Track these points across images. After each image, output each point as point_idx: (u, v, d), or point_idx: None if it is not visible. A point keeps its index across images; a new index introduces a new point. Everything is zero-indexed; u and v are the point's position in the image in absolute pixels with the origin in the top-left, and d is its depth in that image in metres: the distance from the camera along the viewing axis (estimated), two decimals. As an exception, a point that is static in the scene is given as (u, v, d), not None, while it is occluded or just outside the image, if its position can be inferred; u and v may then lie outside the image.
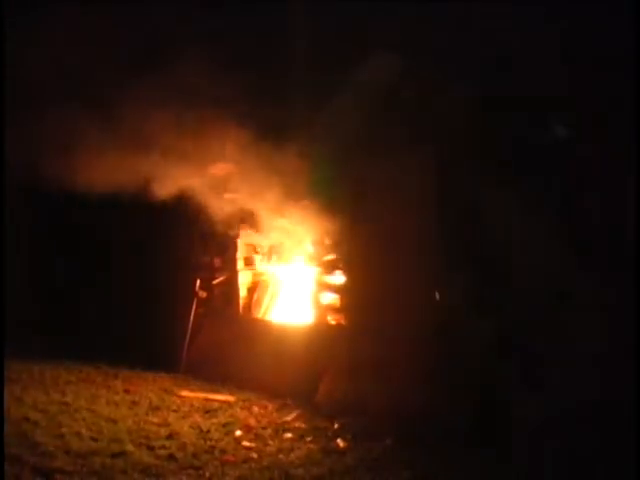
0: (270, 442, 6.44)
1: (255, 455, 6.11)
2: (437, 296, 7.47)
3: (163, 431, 6.63)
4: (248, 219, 9.04)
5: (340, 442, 6.44)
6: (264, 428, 6.80)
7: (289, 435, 6.63)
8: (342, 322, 8.53)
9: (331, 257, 8.88)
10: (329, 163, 8.23)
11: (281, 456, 6.10)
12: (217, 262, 9.42)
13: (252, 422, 6.97)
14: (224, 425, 6.85)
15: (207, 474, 5.67)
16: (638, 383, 6.02)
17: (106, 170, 7.97)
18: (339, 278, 8.69)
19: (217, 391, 7.99)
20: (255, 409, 7.37)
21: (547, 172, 7.05)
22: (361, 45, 8.30)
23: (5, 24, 7.15)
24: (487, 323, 6.93)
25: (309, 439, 6.53)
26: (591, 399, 6.15)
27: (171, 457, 5.98)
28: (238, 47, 8.30)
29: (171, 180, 8.20)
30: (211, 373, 8.49)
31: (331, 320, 8.73)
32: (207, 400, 7.64)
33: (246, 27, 8.72)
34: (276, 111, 8.47)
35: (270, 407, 7.43)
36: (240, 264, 9.45)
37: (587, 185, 6.96)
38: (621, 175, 6.79)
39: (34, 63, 7.43)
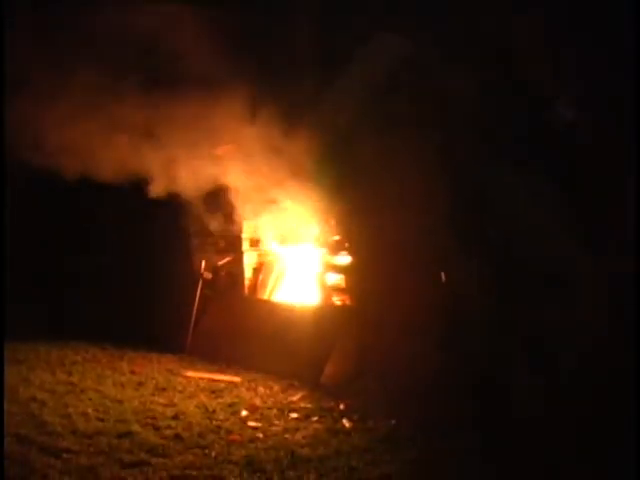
0: (276, 422, 6.46)
1: (261, 435, 6.13)
2: (443, 277, 7.47)
3: (169, 411, 6.65)
4: (253, 200, 9.02)
5: (346, 422, 6.46)
6: (270, 408, 6.82)
7: (295, 415, 6.64)
8: (347, 303, 8.55)
9: (337, 238, 8.89)
10: (335, 144, 8.21)
11: (287, 436, 6.12)
12: (222, 243, 9.43)
13: (258, 402, 6.99)
14: (230, 405, 6.87)
15: (213, 454, 5.68)
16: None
17: (108, 154, 7.96)
18: (345, 259, 8.69)
19: (223, 372, 8.01)
20: (261, 389, 7.39)
21: (556, 159, 7.03)
22: (365, 28, 8.27)
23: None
24: (492, 307, 6.93)
25: (315, 419, 6.55)
26: (594, 386, 6.17)
27: (177, 437, 6.01)
28: (242, 28, 8.24)
29: (176, 162, 8.18)
30: (217, 354, 8.50)
31: (336, 301, 8.75)
32: (213, 381, 7.66)
33: (250, 7, 8.66)
34: (281, 91, 8.43)
35: (276, 388, 7.45)
36: (245, 245, 9.47)
37: (595, 175, 6.95)
38: (625, 170, 6.78)
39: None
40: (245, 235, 9.45)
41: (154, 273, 9.37)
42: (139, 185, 8.23)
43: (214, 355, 8.51)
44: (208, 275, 9.34)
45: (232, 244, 9.42)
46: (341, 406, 6.87)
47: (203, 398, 7.09)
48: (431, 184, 7.39)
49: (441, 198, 7.32)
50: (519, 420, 6.05)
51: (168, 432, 6.11)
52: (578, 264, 6.74)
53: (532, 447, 5.68)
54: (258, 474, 5.34)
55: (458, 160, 7.33)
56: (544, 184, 6.93)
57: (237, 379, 7.71)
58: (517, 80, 7.31)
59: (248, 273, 9.47)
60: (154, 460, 5.52)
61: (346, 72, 8.47)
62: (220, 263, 9.42)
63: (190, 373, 7.94)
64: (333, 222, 8.85)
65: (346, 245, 8.68)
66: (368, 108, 8.01)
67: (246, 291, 9.42)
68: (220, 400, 7.03)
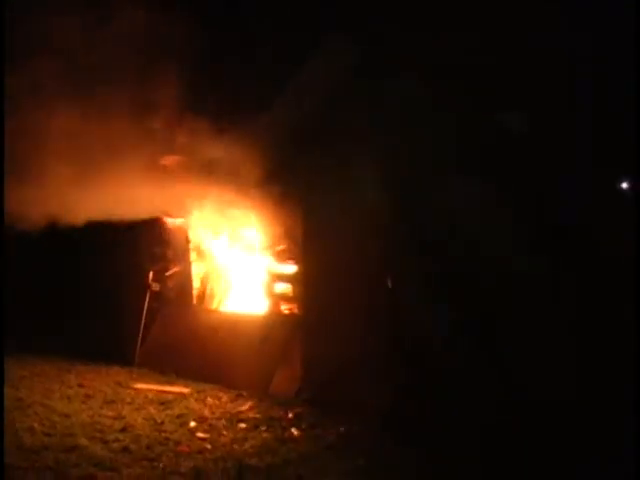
0: (224, 432, 6.48)
1: (209, 446, 6.14)
2: (389, 284, 7.55)
3: (117, 424, 6.63)
4: (200, 210, 9.03)
5: (294, 431, 6.51)
6: (218, 419, 6.84)
7: (243, 425, 6.67)
8: (295, 311, 8.60)
9: (283, 247, 8.93)
10: (284, 152, 8.26)
11: (235, 446, 6.15)
12: (170, 254, 9.39)
13: (206, 413, 7.00)
14: (178, 417, 6.87)
15: (161, 465, 5.68)
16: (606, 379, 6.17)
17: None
18: (291, 267, 8.74)
19: (171, 383, 8.01)
20: (209, 400, 7.40)
21: (505, 165, 7.14)
22: (315, 31, 8.34)
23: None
24: (441, 312, 7.02)
25: (263, 429, 6.58)
26: (552, 397, 6.28)
27: (125, 449, 5.99)
28: (191, 34, 8.22)
29: (120, 172, 8.13)
30: (165, 365, 8.49)
31: (284, 310, 8.80)
32: (161, 392, 7.64)
33: (200, 16, 8.65)
34: (229, 99, 8.45)
35: (224, 398, 7.47)
36: (193, 255, 9.45)
37: (545, 178, 7.07)
38: (579, 169, 6.93)
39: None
40: (192, 245, 9.43)
41: (101, 285, 9.30)
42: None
43: (163, 366, 8.50)
44: (156, 286, 9.29)
45: (179, 254, 9.39)
46: (290, 415, 6.91)
47: (152, 410, 7.07)
48: (376, 189, 7.47)
49: (386, 205, 7.40)
50: (469, 430, 6.14)
51: (116, 445, 6.08)
52: (536, 267, 6.83)
53: (479, 456, 5.79)
54: (206, 485, 5.37)
55: (405, 166, 7.42)
56: (489, 189, 7.04)
57: (186, 390, 7.70)
58: (467, 89, 7.42)
59: (196, 283, 9.46)
60: (102, 474, 5.49)
61: (294, 79, 8.53)
62: (168, 274, 9.39)
63: (139, 385, 7.91)
64: (280, 230, 8.88)
65: (292, 254, 8.72)
66: (316, 114, 8.08)
67: (194, 301, 9.41)
68: (169, 412, 7.02)
